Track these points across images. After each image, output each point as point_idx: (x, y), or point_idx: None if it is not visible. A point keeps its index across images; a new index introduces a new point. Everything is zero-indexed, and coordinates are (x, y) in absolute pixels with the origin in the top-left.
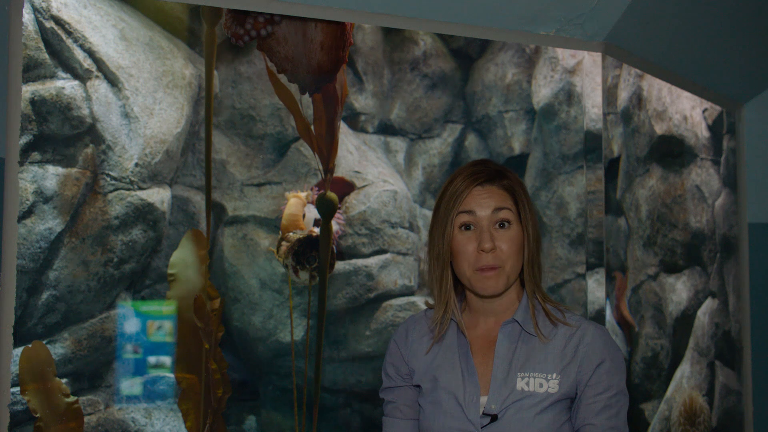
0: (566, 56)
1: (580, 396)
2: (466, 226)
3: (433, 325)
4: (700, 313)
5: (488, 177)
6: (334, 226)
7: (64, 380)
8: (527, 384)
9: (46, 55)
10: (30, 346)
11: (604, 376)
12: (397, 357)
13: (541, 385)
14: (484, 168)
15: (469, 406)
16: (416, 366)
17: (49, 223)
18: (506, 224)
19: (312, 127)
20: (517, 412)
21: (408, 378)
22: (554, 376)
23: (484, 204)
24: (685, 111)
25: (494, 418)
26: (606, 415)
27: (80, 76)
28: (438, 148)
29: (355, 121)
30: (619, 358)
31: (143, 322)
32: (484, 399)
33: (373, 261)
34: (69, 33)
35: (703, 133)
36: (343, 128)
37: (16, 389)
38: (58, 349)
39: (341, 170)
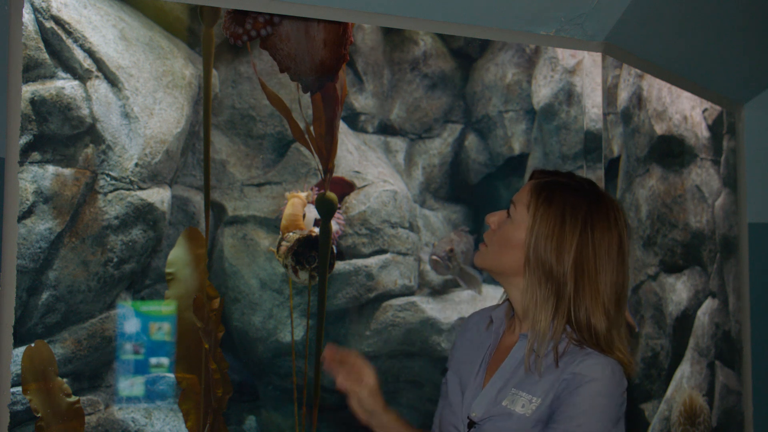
0: (566, 56)
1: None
2: None
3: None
4: (700, 313)
5: (532, 177)
6: (334, 226)
7: (64, 380)
8: (512, 402)
9: (46, 55)
10: (33, 345)
11: (562, 406)
12: (455, 341)
13: (523, 406)
14: (541, 170)
15: (467, 404)
16: (456, 352)
17: (49, 223)
18: (508, 215)
19: (311, 128)
20: (492, 428)
21: None
22: (537, 400)
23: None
24: (685, 111)
25: (472, 424)
26: None
27: (80, 76)
28: (438, 148)
29: (355, 121)
30: (592, 403)
31: (143, 322)
32: None
33: (373, 261)
34: (69, 33)
35: (703, 133)
36: (343, 128)
37: (18, 389)
38: (58, 349)
39: (341, 170)
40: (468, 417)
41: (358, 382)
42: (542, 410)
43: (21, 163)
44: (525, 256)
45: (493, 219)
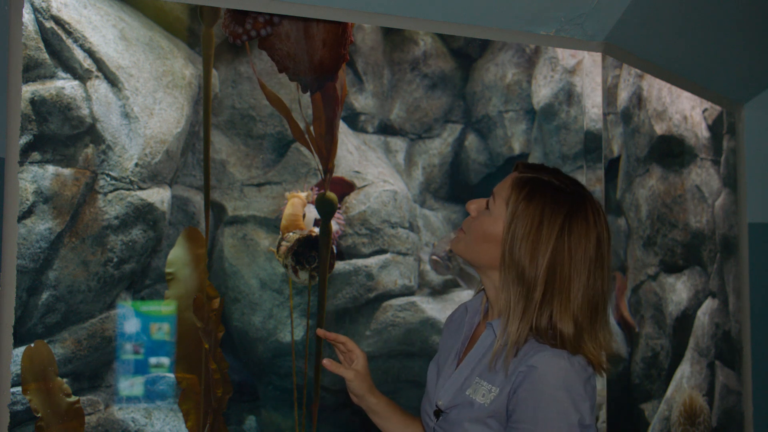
0: (566, 56)
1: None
2: None
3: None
4: (700, 313)
5: (516, 169)
6: (334, 226)
7: (64, 380)
8: (475, 391)
9: (46, 55)
10: (32, 345)
11: (521, 403)
12: (442, 334)
13: (483, 395)
14: (525, 164)
15: (437, 391)
16: (440, 344)
17: (49, 223)
18: (486, 206)
19: (311, 128)
20: (456, 417)
21: None
22: (495, 389)
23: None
24: (685, 111)
25: (438, 412)
26: None
27: (80, 76)
28: (438, 148)
29: (355, 121)
30: (551, 396)
31: (143, 322)
32: None
33: (373, 261)
34: (69, 33)
35: (703, 133)
36: (343, 128)
37: (18, 389)
38: (58, 349)
39: (341, 170)
40: (435, 405)
41: (347, 366)
42: (500, 401)
43: (21, 163)
44: (501, 253)
45: (473, 206)
